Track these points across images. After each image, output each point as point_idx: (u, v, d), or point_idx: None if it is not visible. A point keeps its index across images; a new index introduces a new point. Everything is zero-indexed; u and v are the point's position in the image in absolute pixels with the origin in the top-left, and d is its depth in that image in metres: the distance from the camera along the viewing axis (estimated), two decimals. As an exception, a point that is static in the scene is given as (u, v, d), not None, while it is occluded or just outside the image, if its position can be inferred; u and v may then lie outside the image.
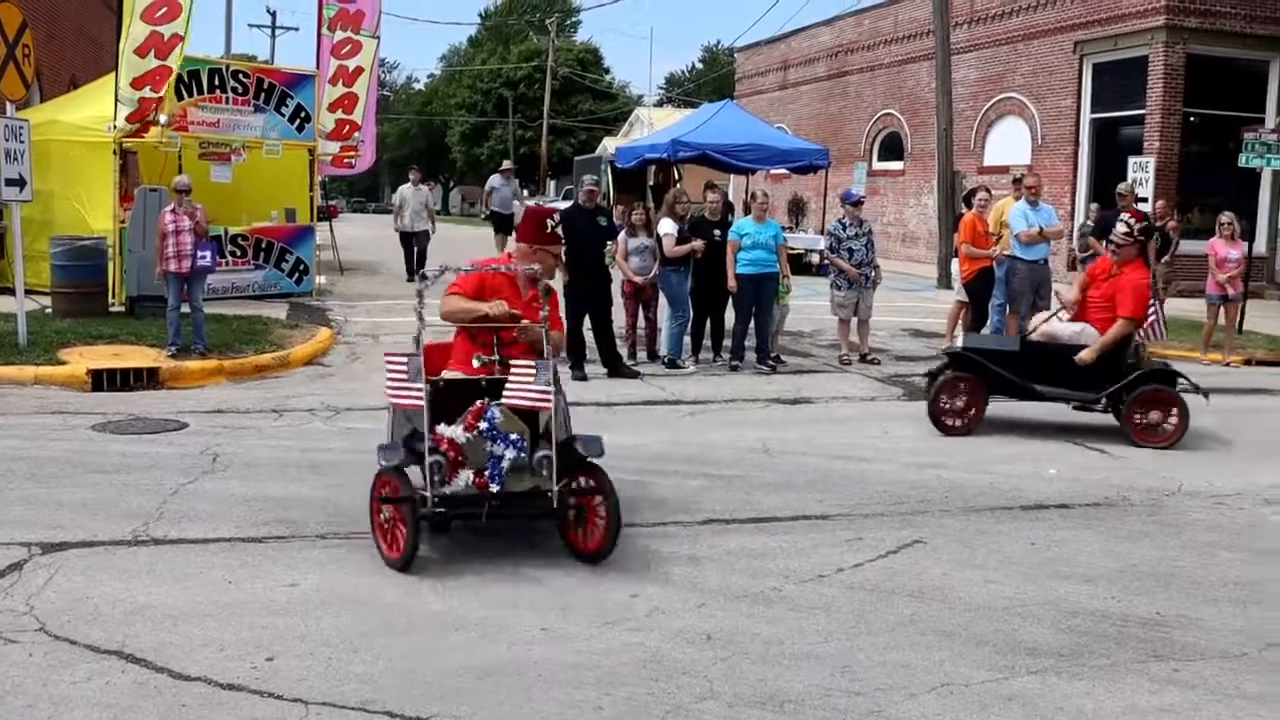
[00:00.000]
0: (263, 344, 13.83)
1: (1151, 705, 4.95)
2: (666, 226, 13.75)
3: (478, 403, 6.56)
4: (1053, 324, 11.10)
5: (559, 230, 7.59)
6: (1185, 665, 5.39)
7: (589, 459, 6.63)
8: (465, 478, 6.40)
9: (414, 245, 23.56)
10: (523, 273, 7.24)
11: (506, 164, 28.26)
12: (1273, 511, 8.26)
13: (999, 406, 11.12)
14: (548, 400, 6.49)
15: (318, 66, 22.41)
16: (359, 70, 23.05)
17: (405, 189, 23.87)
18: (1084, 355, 10.46)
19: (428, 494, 6.30)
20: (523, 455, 6.45)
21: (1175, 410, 10.38)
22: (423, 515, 6.30)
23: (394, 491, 6.40)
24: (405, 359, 6.67)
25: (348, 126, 23.03)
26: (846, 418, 11.37)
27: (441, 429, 6.48)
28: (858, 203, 15.13)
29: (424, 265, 21.46)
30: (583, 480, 6.67)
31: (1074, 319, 10.99)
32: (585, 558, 6.52)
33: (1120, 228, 10.89)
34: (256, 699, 4.72)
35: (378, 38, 23.97)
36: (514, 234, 14.48)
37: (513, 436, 6.46)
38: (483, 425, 6.46)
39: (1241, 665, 5.43)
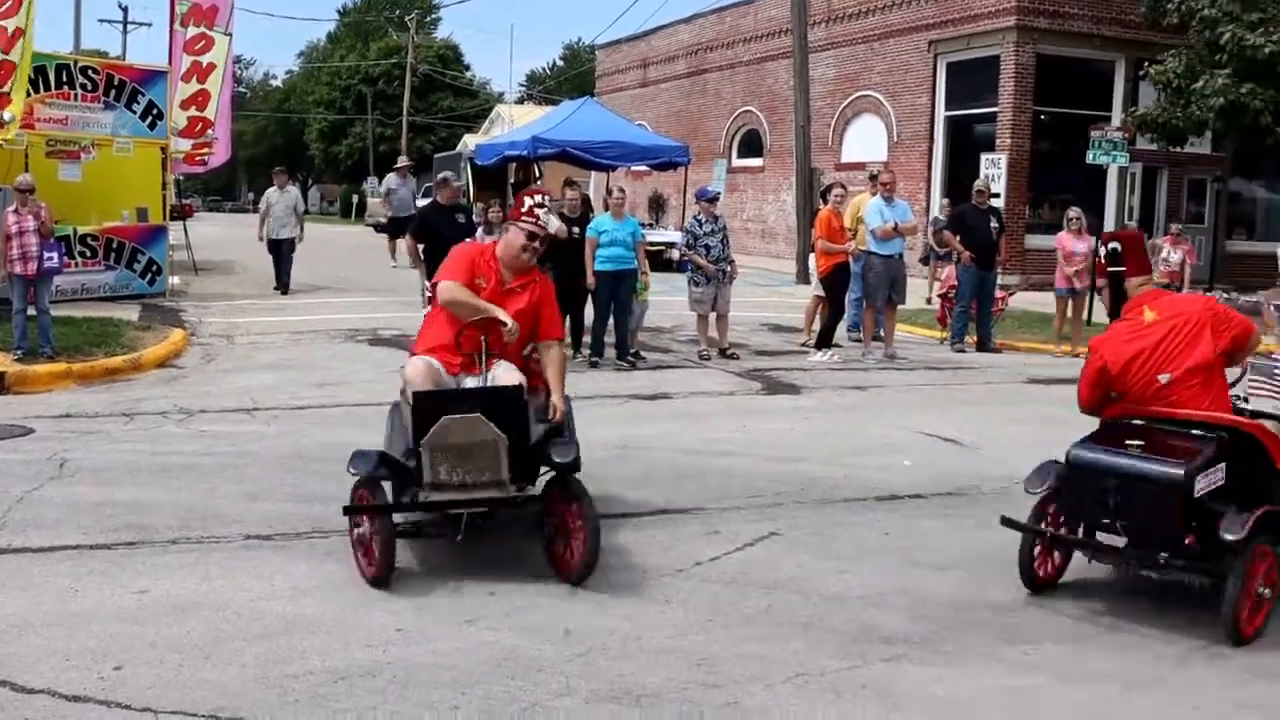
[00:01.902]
0: (113, 346, 13.48)
1: (1001, 688, 5.08)
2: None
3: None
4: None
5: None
6: (1034, 648, 5.54)
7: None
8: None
9: (279, 252, 21.59)
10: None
11: (403, 160, 26.62)
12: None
13: (849, 399, 11.28)
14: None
15: (170, 63, 21.93)
16: (212, 66, 22.65)
17: (271, 193, 21.78)
18: None
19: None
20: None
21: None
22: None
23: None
24: None
25: (200, 124, 22.62)
26: (706, 413, 11.46)
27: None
28: (713, 199, 15.28)
29: (288, 279, 21.03)
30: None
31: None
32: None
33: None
34: (104, 710, 4.60)
35: (231, 34, 23.53)
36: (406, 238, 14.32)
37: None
38: None
39: (1088, 646, 5.60)
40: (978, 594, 6.27)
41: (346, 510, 6.27)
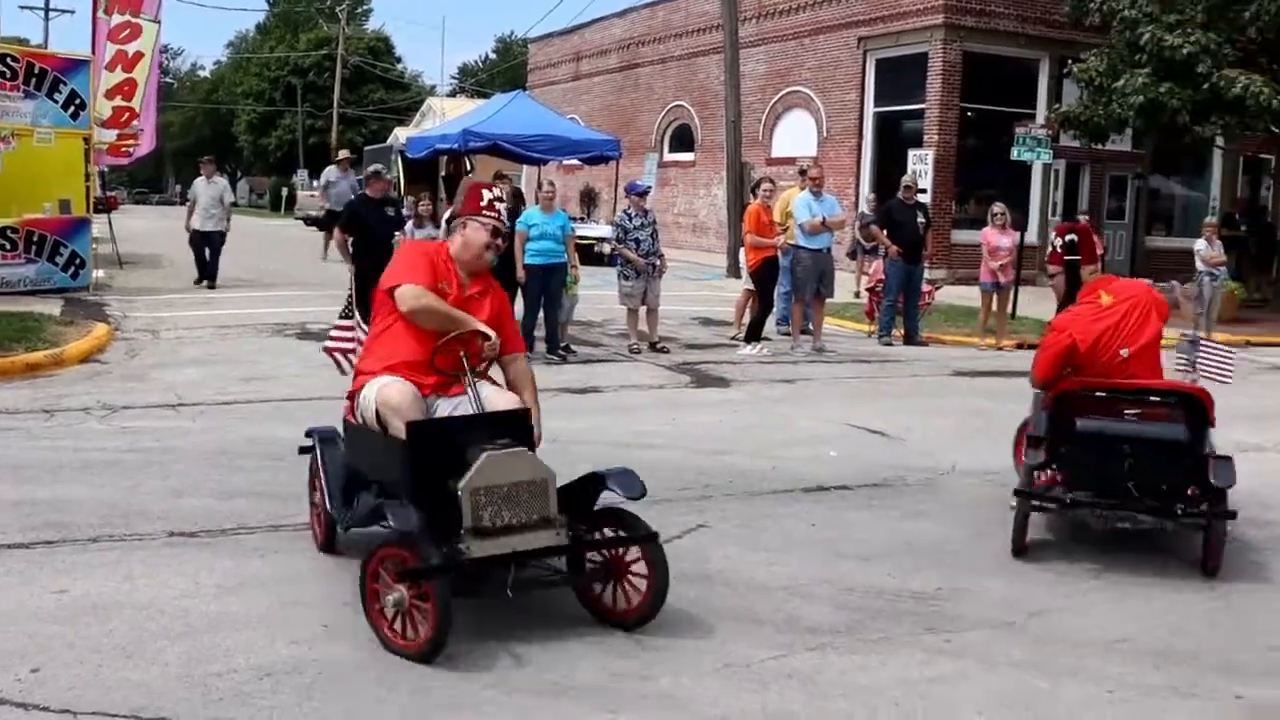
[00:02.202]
0: (34, 341, 13.24)
1: (923, 675, 5.15)
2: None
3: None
4: None
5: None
6: (957, 636, 5.61)
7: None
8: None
9: (205, 246, 20.97)
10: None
11: (343, 153, 25.73)
12: (1038, 488, 8.67)
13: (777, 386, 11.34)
14: None
15: (93, 51, 21.56)
16: (138, 56, 22.28)
17: (198, 183, 21.33)
18: None
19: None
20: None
21: None
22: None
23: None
24: None
25: (126, 114, 22.25)
26: (635, 406, 11.49)
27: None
28: (643, 193, 15.33)
29: (216, 270, 20.67)
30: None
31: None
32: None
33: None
34: (21, 712, 4.52)
35: (159, 22, 23.19)
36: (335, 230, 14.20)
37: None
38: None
39: (1008, 634, 5.68)
40: (902, 584, 6.34)
41: (407, 575, 5.07)
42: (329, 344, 8.71)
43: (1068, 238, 7.56)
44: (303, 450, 6.78)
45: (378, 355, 6.02)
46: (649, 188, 16.71)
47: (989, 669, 5.26)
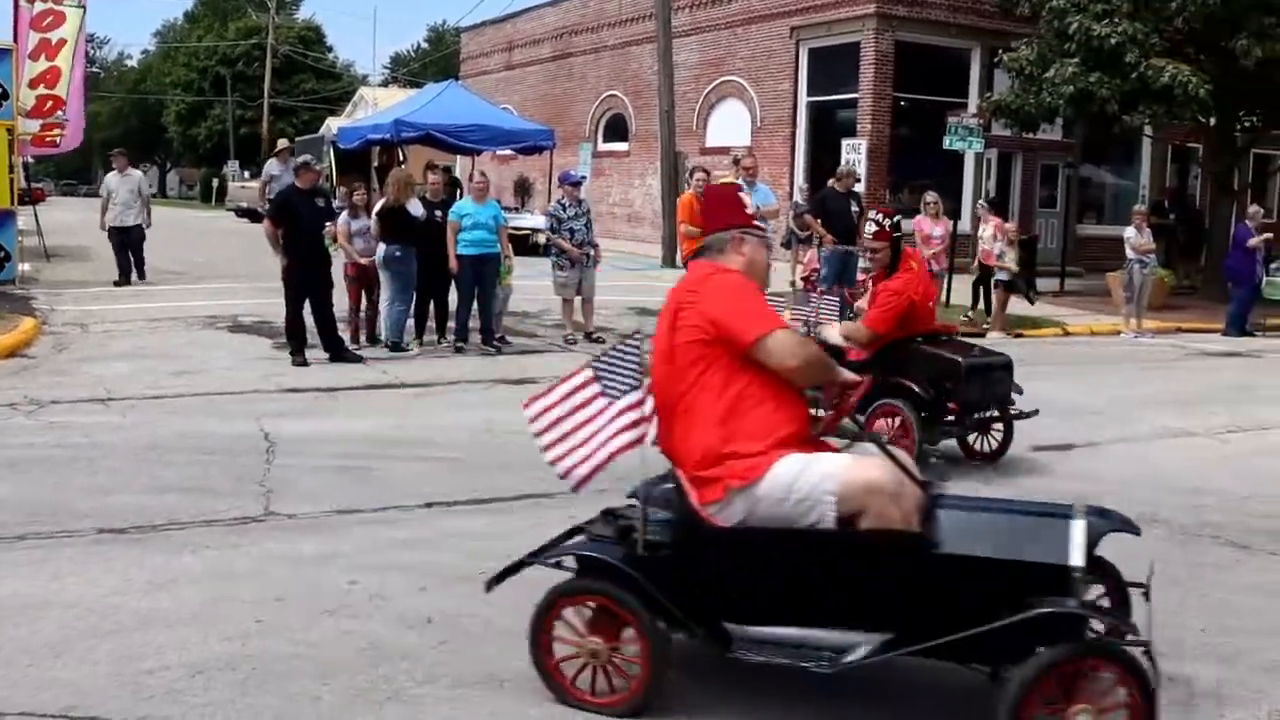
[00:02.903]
0: (-42, 336, 13.03)
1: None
2: (418, 208, 13.61)
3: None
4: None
5: (866, 225, 8.90)
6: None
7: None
8: None
9: (125, 242, 20.06)
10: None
11: (282, 143, 24.54)
12: (975, 472, 8.76)
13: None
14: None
15: (15, 40, 21.17)
16: (62, 43, 21.91)
17: (111, 178, 20.36)
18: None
19: None
20: None
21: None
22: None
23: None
24: None
25: (50, 102, 21.87)
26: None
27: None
28: (577, 183, 15.31)
29: (141, 265, 20.08)
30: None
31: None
32: None
33: (869, 227, 9.13)
34: (-53, 713, 4.46)
35: (83, 7, 22.79)
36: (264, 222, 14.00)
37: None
38: None
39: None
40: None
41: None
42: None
43: (896, 218, 8.98)
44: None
45: (749, 433, 4.53)
46: (583, 177, 16.68)
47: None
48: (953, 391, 8.70)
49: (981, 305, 18.84)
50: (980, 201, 22.09)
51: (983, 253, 18.23)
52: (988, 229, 18.16)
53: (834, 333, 8.87)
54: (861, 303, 9.67)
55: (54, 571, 6.01)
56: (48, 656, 4.98)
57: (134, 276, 20.13)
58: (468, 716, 4.57)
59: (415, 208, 13.59)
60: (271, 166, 23.39)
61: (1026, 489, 8.30)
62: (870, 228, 9.08)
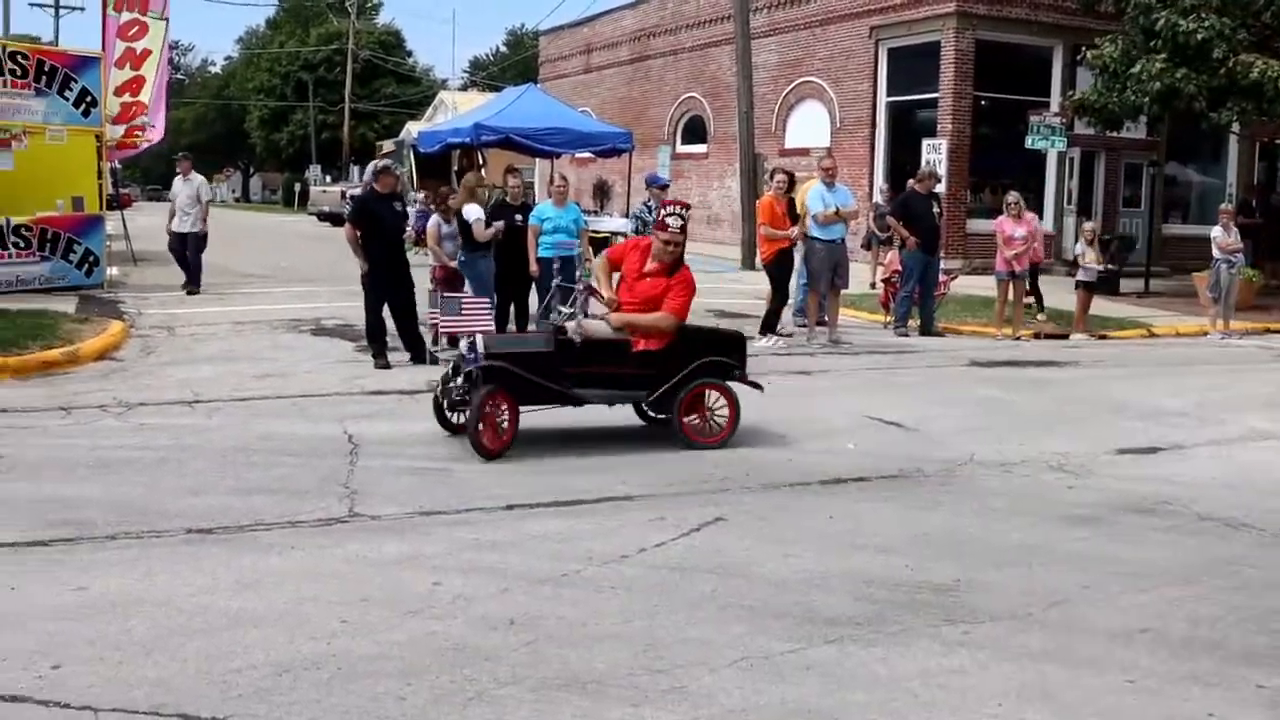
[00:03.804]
0: (50, 339, 13.29)
1: (942, 667, 5.12)
2: (474, 212, 13.68)
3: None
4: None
5: (668, 220, 9.34)
6: (975, 627, 5.59)
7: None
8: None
9: (184, 249, 19.71)
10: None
11: (388, 145, 23.92)
12: (1056, 477, 8.64)
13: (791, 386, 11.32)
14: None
15: (103, 49, 21.59)
16: (147, 52, 22.33)
17: (176, 182, 20.09)
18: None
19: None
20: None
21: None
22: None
23: None
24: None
25: (134, 109, 22.25)
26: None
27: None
28: (664, 186, 15.29)
29: (198, 275, 19.49)
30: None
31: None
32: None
33: (674, 221, 9.38)
34: (42, 709, 4.53)
35: (167, 19, 23.21)
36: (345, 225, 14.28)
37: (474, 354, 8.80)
38: (463, 345, 9.19)
39: (1028, 625, 5.65)
40: (920, 575, 6.31)
41: None
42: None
43: (684, 210, 9.57)
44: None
45: None
46: (669, 181, 16.67)
47: (1008, 660, 5.23)
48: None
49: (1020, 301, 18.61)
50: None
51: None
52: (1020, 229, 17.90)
53: (600, 326, 9.37)
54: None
55: (145, 570, 6.12)
56: (139, 654, 5.06)
57: (189, 284, 19.66)
58: (550, 718, 4.57)
59: (469, 212, 13.65)
60: (368, 173, 23.28)
61: (1113, 492, 8.20)
62: (676, 222, 9.37)
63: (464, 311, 9.18)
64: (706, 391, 9.33)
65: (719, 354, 9.43)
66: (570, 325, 9.16)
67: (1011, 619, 5.73)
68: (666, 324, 9.26)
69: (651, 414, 9.84)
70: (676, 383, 9.14)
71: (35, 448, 8.80)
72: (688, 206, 10.06)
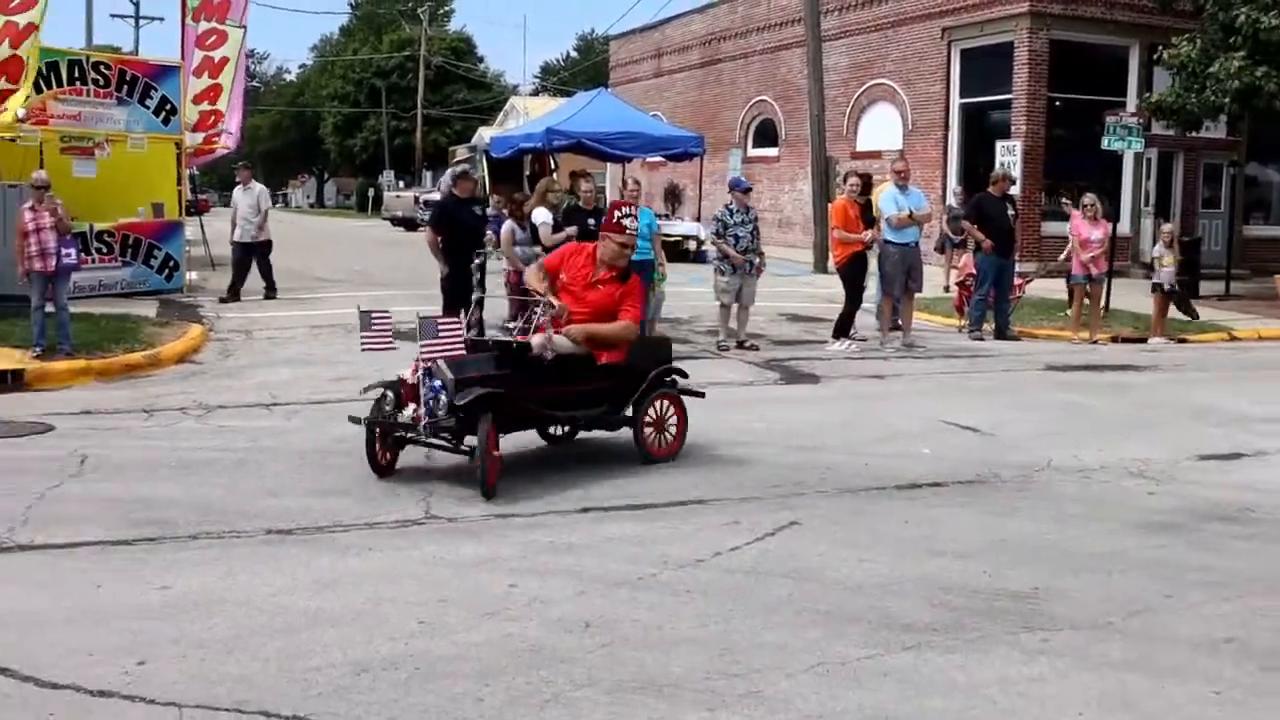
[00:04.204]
0: (132, 342, 13.54)
1: (1022, 675, 5.07)
2: (542, 216, 13.74)
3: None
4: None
5: (625, 222, 8.81)
6: (1054, 635, 5.52)
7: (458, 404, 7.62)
8: (409, 411, 7.85)
9: (248, 259, 19.65)
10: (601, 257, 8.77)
11: (463, 151, 23.94)
12: (1136, 483, 8.52)
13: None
14: (428, 350, 7.74)
15: (182, 58, 21.94)
16: (225, 61, 22.66)
17: (236, 192, 20.17)
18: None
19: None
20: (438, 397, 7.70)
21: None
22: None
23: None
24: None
25: (212, 117, 22.60)
26: (724, 403, 11.41)
27: (401, 372, 8.09)
28: (746, 190, 15.25)
29: (271, 279, 19.52)
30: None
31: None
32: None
33: (631, 223, 9.03)
34: (128, 704, 4.61)
35: (244, 28, 23.54)
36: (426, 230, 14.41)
37: (436, 382, 7.73)
38: (420, 372, 7.82)
39: (1108, 633, 5.57)
40: (997, 582, 6.25)
41: None
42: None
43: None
44: None
45: None
46: (751, 185, 16.61)
47: (1089, 669, 5.17)
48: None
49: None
50: (1063, 199, 21.59)
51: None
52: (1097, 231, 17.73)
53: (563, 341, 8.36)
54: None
55: (225, 570, 6.21)
56: (221, 652, 5.13)
57: (247, 294, 19.50)
58: (627, 720, 4.59)
59: (537, 216, 13.72)
60: (447, 178, 23.22)
61: (1194, 499, 8.07)
62: (632, 223, 9.00)
63: (440, 333, 7.85)
64: (659, 402, 8.85)
65: (661, 361, 9.03)
66: (537, 340, 8.20)
67: (1091, 627, 5.66)
68: (630, 334, 8.81)
69: (557, 434, 9.16)
70: (640, 395, 8.67)
71: (119, 449, 8.97)
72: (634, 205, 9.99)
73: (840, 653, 5.24)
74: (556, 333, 8.30)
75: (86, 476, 8.14)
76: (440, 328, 7.79)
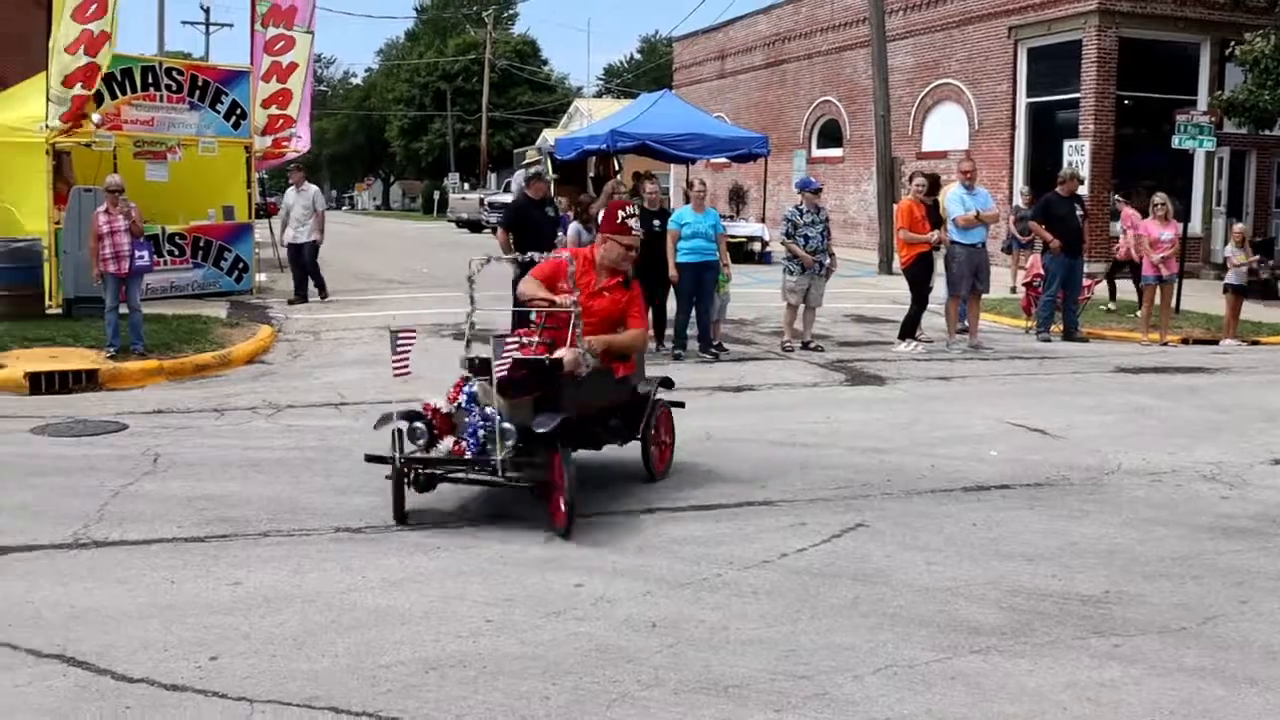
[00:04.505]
0: (203, 343, 13.73)
1: (1093, 680, 5.01)
2: None
3: (459, 377, 7.18)
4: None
5: (630, 223, 8.06)
6: (1126, 640, 5.45)
7: (541, 432, 6.79)
8: (446, 444, 6.94)
9: (299, 258, 19.65)
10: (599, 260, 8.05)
11: (532, 153, 23.46)
12: (1209, 487, 8.39)
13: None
14: (501, 371, 6.83)
15: (251, 63, 22.19)
16: (293, 66, 22.86)
17: (289, 193, 20.09)
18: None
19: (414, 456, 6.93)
20: (490, 427, 6.80)
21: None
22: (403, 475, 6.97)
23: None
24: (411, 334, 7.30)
25: (281, 120, 22.83)
26: (790, 404, 11.42)
27: (431, 400, 7.12)
28: (817, 190, 15.19)
29: (319, 283, 19.53)
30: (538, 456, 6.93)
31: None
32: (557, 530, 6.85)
33: (635, 224, 8.28)
34: (201, 699, 4.68)
35: (312, 33, 23.75)
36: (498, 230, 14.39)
37: (488, 409, 6.85)
38: (463, 398, 7.02)
39: (1181, 639, 5.49)
40: (1068, 585, 6.18)
41: None
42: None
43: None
44: None
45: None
46: (822, 185, 16.53)
47: (1162, 675, 5.09)
48: None
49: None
50: (1115, 196, 21.30)
51: (1118, 247, 17.68)
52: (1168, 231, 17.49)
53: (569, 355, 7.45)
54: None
55: (295, 567, 6.28)
56: (291, 648, 5.19)
57: (314, 294, 19.71)
58: (694, 721, 4.59)
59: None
60: (519, 179, 23.35)
61: (1270, 504, 7.94)
62: (638, 224, 8.25)
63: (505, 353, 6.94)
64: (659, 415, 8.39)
65: (644, 373, 8.53)
66: (569, 356, 7.34)
67: (1164, 632, 5.58)
68: (642, 343, 8.43)
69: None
70: (650, 410, 8.18)
71: (191, 447, 9.10)
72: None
73: (908, 655, 5.21)
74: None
75: (159, 474, 8.26)
76: (507, 347, 7.00)
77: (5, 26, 27.04)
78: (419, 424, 7.00)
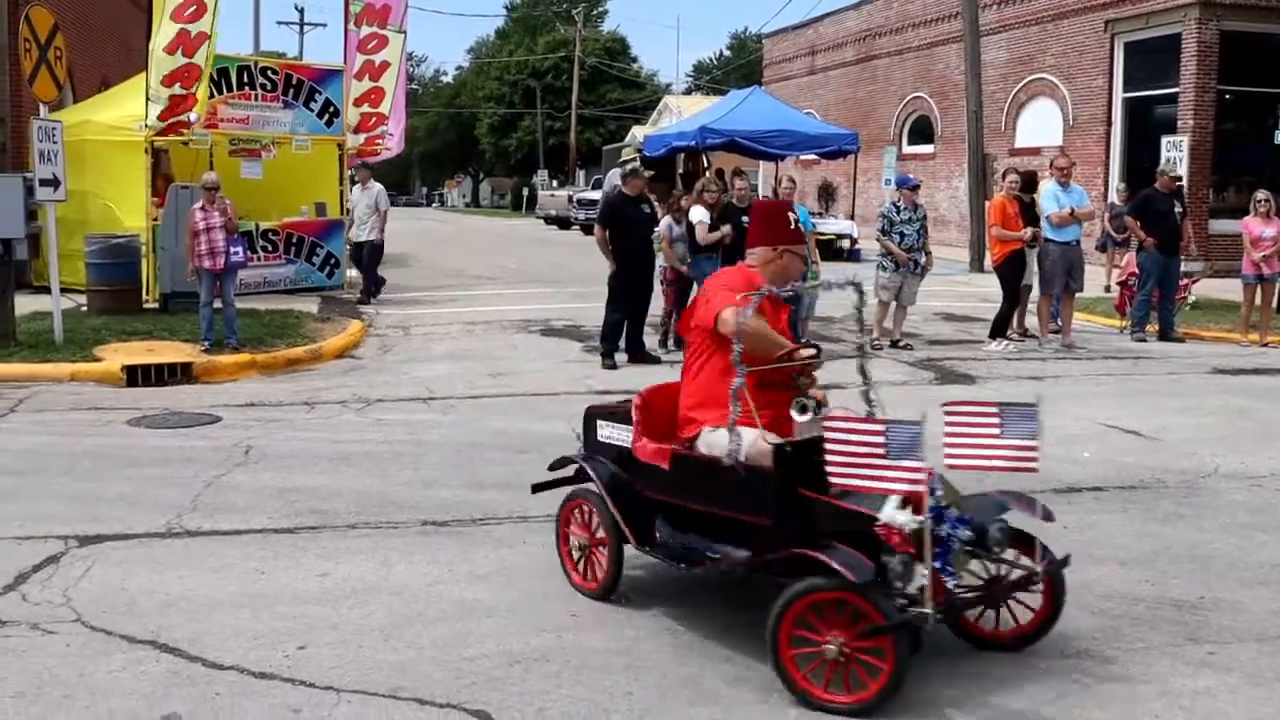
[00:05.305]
0: (294, 338, 13.92)
1: (1186, 688, 4.90)
2: (698, 214, 13.75)
3: (919, 471, 4.73)
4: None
5: (801, 226, 6.09)
6: (1221, 648, 5.33)
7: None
8: (920, 575, 4.63)
9: (360, 257, 19.48)
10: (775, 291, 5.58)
11: (627, 152, 23.10)
12: (1309, 491, 8.18)
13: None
14: (1033, 460, 5.18)
15: (345, 62, 22.44)
16: (385, 65, 23.04)
17: (354, 192, 19.99)
18: None
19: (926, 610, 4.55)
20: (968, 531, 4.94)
21: None
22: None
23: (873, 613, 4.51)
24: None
25: (374, 119, 23.05)
26: (879, 403, 11.28)
27: (890, 515, 4.69)
28: (914, 188, 15.05)
29: (375, 284, 19.23)
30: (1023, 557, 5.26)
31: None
32: (997, 644, 5.26)
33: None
34: (289, 687, 4.75)
35: (404, 32, 23.96)
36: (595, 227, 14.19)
37: (953, 512, 5.02)
38: (931, 509, 4.79)
39: (1279, 648, 5.37)
40: (1161, 591, 6.06)
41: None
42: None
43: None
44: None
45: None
46: (919, 182, 16.36)
47: (1259, 685, 4.96)
48: None
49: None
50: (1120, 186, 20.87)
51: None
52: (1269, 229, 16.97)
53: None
54: None
55: (382, 559, 6.34)
56: (377, 639, 5.24)
57: (369, 295, 19.22)
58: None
59: (694, 215, 13.71)
60: (613, 176, 23.39)
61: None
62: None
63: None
64: None
65: None
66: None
67: (1261, 640, 5.44)
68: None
69: None
70: None
71: (282, 440, 9.23)
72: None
73: (996, 657, 5.13)
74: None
75: (251, 466, 8.39)
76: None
77: (107, 29, 27.72)
78: (897, 563, 4.65)
